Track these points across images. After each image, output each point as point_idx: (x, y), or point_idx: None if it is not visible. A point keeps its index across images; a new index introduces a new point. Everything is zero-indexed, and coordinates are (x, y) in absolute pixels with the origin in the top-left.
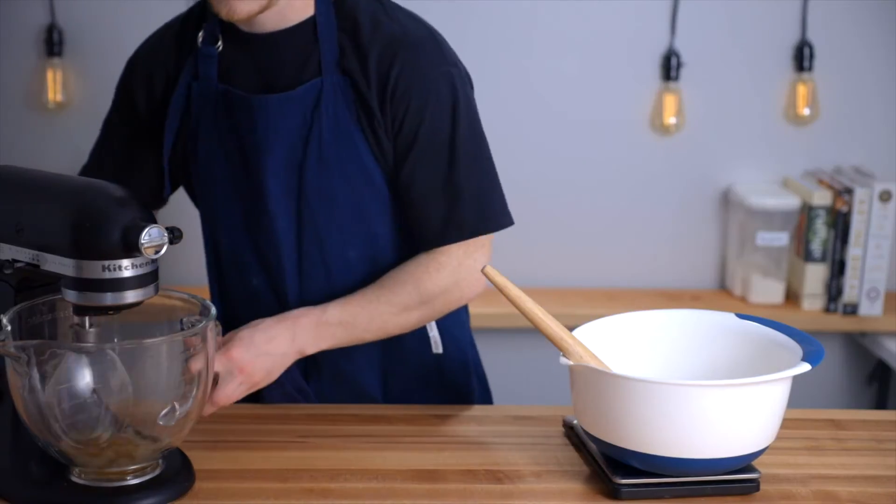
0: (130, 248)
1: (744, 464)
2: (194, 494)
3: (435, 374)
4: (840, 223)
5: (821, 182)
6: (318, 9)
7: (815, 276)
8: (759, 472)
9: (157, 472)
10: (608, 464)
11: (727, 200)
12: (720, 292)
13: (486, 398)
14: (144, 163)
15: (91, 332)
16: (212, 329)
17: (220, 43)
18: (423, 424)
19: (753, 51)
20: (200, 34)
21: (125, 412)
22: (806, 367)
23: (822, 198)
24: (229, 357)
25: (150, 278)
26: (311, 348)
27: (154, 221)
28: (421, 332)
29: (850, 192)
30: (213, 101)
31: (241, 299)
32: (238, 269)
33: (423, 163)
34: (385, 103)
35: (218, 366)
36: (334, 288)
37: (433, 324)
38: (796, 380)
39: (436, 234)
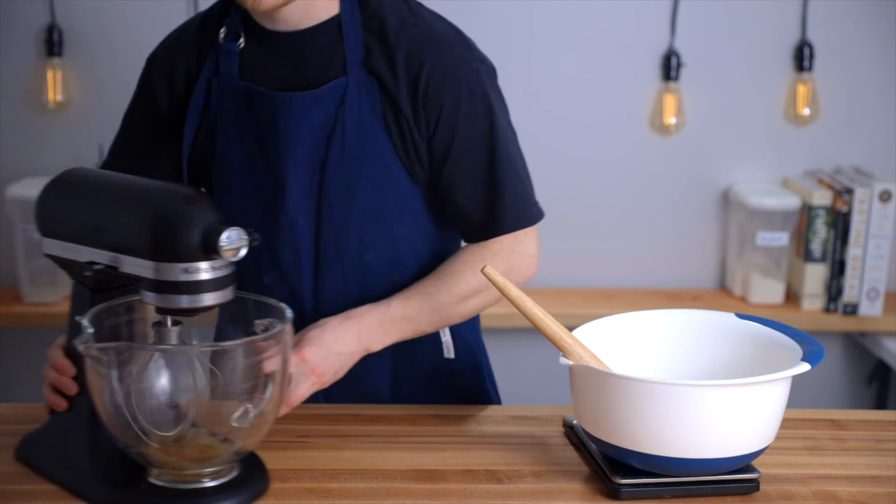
0: (209, 250)
1: (743, 464)
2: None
3: (445, 378)
4: (840, 223)
5: (821, 182)
6: (343, 7)
7: (815, 276)
8: (759, 472)
9: (234, 474)
10: (608, 464)
11: (727, 200)
12: (720, 292)
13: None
14: (163, 159)
15: (172, 334)
16: (288, 332)
17: (241, 40)
18: (423, 424)
19: (753, 51)
20: (222, 31)
21: (202, 414)
22: (806, 367)
23: (821, 198)
24: (301, 357)
25: (227, 281)
26: (378, 345)
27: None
28: (433, 336)
29: (850, 192)
30: (234, 97)
31: None
32: (249, 267)
33: (464, 161)
34: (417, 104)
35: (290, 366)
36: (349, 289)
37: (446, 329)
38: (796, 380)
39: (485, 228)
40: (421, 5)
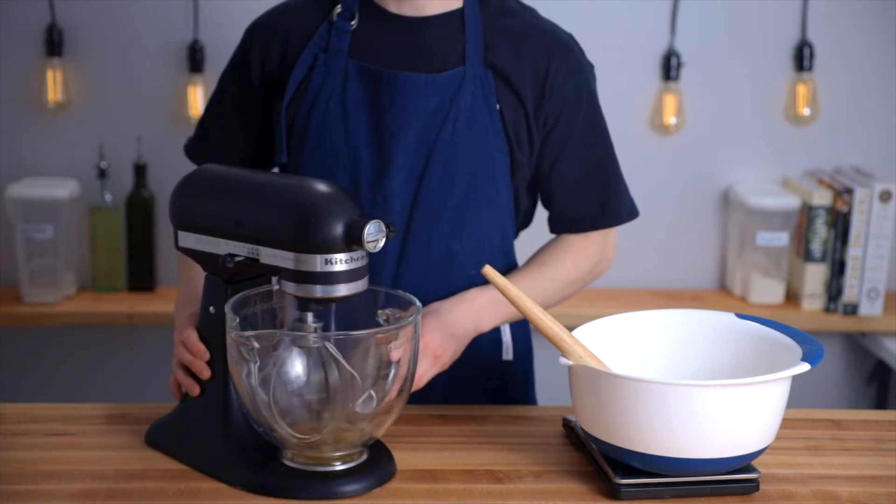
0: (353, 242)
1: (744, 464)
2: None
3: (499, 380)
4: (840, 223)
5: (821, 182)
6: (467, 2)
7: (815, 276)
8: (759, 472)
9: (363, 459)
10: (608, 464)
11: (727, 200)
12: (720, 292)
13: None
14: (246, 129)
15: (312, 324)
16: (418, 323)
17: (355, 20)
18: (424, 424)
19: (753, 51)
20: (337, 8)
21: (336, 400)
22: (806, 367)
23: (822, 198)
24: (424, 343)
25: (362, 272)
26: (488, 325)
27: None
28: (495, 336)
29: (850, 192)
30: (343, 75)
31: None
32: None
33: (580, 154)
34: (542, 100)
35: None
36: (430, 277)
37: (507, 329)
38: (796, 380)
39: (594, 220)
40: (529, 6)
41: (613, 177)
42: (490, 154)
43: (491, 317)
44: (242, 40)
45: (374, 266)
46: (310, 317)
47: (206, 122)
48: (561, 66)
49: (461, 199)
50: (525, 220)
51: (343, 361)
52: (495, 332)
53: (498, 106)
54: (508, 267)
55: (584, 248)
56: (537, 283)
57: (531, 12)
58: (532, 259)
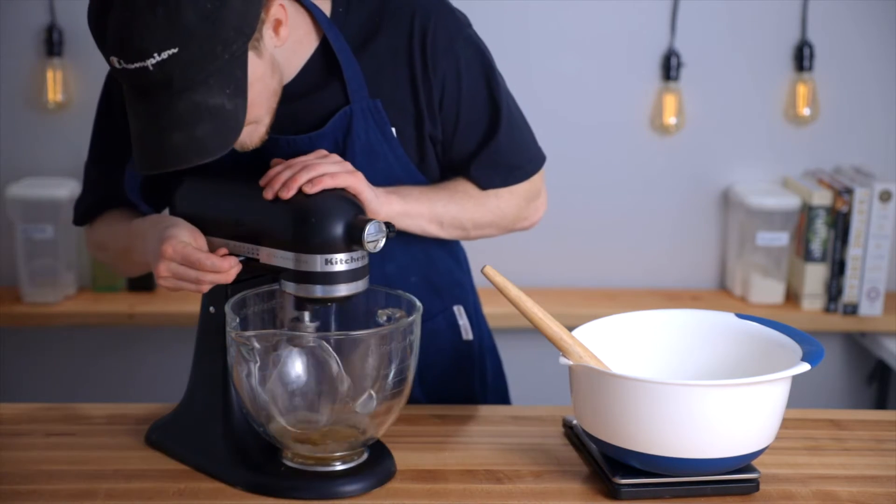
0: (353, 242)
1: (744, 464)
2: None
3: (467, 360)
4: (840, 223)
5: (821, 182)
6: (330, 36)
7: (815, 276)
8: (759, 472)
9: (362, 459)
10: (608, 464)
11: (727, 200)
12: (720, 292)
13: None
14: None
15: (310, 324)
16: (418, 324)
17: None
18: (424, 424)
19: (753, 51)
20: None
21: (335, 401)
22: (806, 367)
23: (822, 198)
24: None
25: (364, 272)
26: (397, 203)
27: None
28: (450, 320)
29: (850, 192)
30: None
31: None
32: None
33: (471, 128)
34: (427, 96)
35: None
36: None
37: (462, 311)
38: (796, 380)
39: (487, 179)
40: None
41: (514, 138)
42: (399, 182)
43: (401, 196)
44: (107, 83)
45: None
46: (307, 316)
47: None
48: (428, 49)
49: None
50: None
51: (337, 360)
52: (450, 318)
53: (394, 131)
54: (456, 265)
55: (501, 192)
56: (446, 191)
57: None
58: (454, 185)
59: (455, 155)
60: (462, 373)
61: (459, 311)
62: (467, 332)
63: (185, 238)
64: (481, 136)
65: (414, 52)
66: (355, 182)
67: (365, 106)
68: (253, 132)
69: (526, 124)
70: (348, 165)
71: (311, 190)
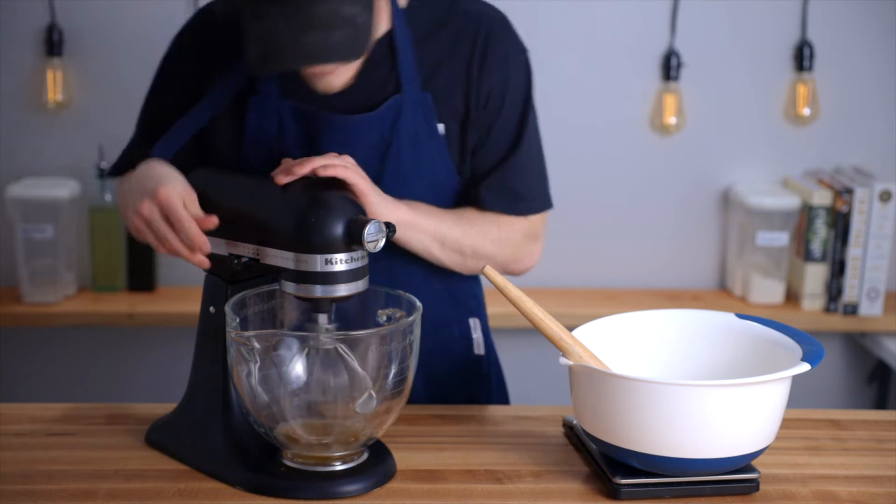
0: (353, 242)
1: (744, 464)
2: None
3: (472, 375)
4: (840, 223)
5: (821, 182)
6: (396, 23)
7: (815, 276)
8: (759, 472)
9: (362, 459)
10: (608, 464)
11: (727, 200)
12: (720, 292)
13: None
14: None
15: (325, 325)
16: (418, 324)
17: None
18: (423, 424)
19: (753, 51)
20: None
21: (336, 400)
22: (806, 367)
23: (822, 198)
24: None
25: (364, 272)
26: (405, 213)
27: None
28: (465, 334)
29: (850, 192)
30: (277, 117)
31: None
32: None
33: (494, 146)
34: (476, 104)
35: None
36: None
37: (477, 325)
38: (796, 380)
39: (492, 201)
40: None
41: (534, 168)
42: (437, 177)
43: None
44: (172, 46)
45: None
46: (323, 318)
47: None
48: (485, 59)
49: None
50: None
51: (355, 363)
52: (465, 330)
53: (441, 127)
54: (475, 278)
55: (502, 220)
56: (452, 216)
57: (459, 3)
58: (463, 214)
59: (473, 169)
60: (468, 387)
61: (475, 325)
62: (479, 347)
63: (180, 192)
64: (499, 156)
65: (474, 56)
66: (363, 182)
67: (416, 98)
68: (347, 70)
69: (543, 167)
70: (360, 169)
71: (324, 173)
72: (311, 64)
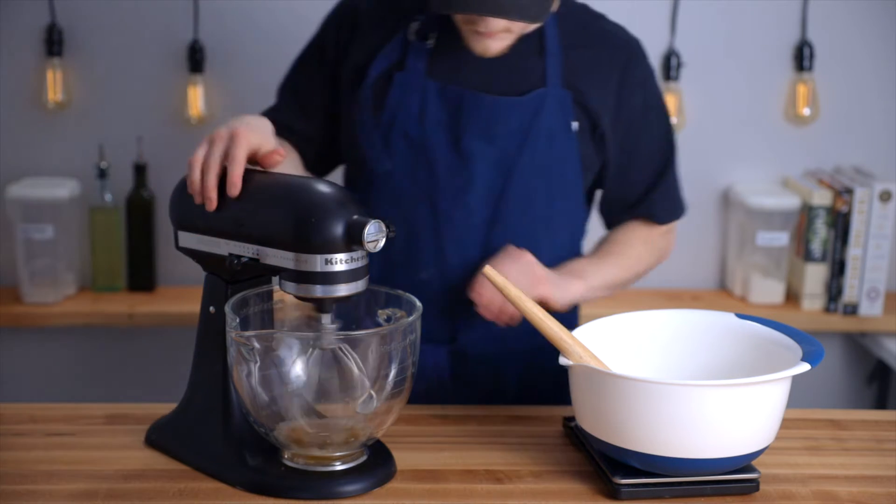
0: (353, 242)
1: (743, 464)
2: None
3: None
4: (840, 223)
5: (821, 182)
6: (547, 21)
7: (815, 276)
8: (759, 472)
9: (362, 459)
10: (608, 464)
11: (727, 200)
12: (720, 292)
13: None
14: (316, 124)
15: (330, 325)
16: (418, 324)
17: (432, 39)
18: (424, 424)
19: (753, 51)
20: (414, 24)
21: (336, 400)
22: (806, 367)
23: (822, 198)
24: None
25: (364, 272)
26: (574, 295)
27: (372, 217)
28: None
29: (850, 192)
30: (421, 94)
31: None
32: (407, 262)
33: (649, 159)
34: (616, 114)
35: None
36: None
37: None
38: (796, 380)
39: (664, 214)
40: (601, 14)
41: (674, 177)
42: (566, 175)
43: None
44: (328, 17)
45: (453, 282)
46: (326, 318)
47: (284, 94)
48: (628, 79)
49: (540, 217)
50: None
51: (355, 364)
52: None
53: (575, 125)
54: None
55: (654, 237)
56: (617, 277)
57: (602, 22)
58: (609, 244)
59: (630, 184)
60: (563, 389)
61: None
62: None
63: (255, 141)
64: (659, 168)
65: (615, 74)
66: (546, 291)
67: (557, 94)
68: (508, 37)
69: None
70: (537, 264)
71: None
72: (497, 14)
